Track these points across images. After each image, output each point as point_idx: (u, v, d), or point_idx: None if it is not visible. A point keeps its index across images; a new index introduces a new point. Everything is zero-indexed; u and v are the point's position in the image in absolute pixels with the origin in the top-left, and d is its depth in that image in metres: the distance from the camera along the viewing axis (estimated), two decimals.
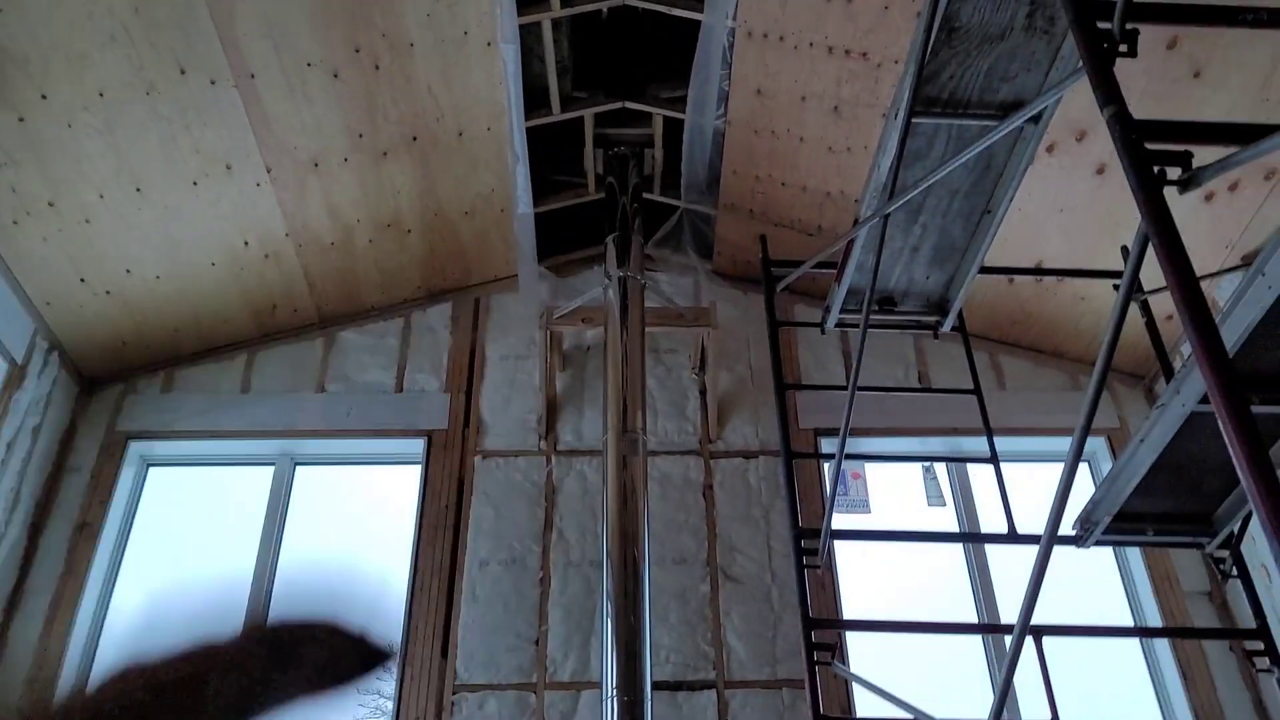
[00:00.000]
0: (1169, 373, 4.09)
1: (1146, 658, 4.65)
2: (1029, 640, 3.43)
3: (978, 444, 4.58)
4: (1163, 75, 3.93)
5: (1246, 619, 4.15)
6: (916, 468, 5.07)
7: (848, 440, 3.78)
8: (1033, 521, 3.96)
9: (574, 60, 5.18)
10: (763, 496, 4.91)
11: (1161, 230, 1.84)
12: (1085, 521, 3.50)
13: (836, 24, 4.35)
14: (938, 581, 4.83)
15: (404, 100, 4.62)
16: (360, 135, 4.66)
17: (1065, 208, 4.67)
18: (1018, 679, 3.13)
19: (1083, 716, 3.97)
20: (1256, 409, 2.72)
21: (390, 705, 4.40)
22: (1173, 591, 4.66)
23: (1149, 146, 1.99)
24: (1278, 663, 3.77)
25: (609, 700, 3.68)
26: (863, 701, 4.33)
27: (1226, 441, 1.63)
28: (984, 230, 3.73)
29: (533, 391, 5.18)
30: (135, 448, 4.92)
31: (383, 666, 3.60)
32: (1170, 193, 1.96)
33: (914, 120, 3.22)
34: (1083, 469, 5.13)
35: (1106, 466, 4.98)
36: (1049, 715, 3.53)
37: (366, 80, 4.46)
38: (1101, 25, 2.18)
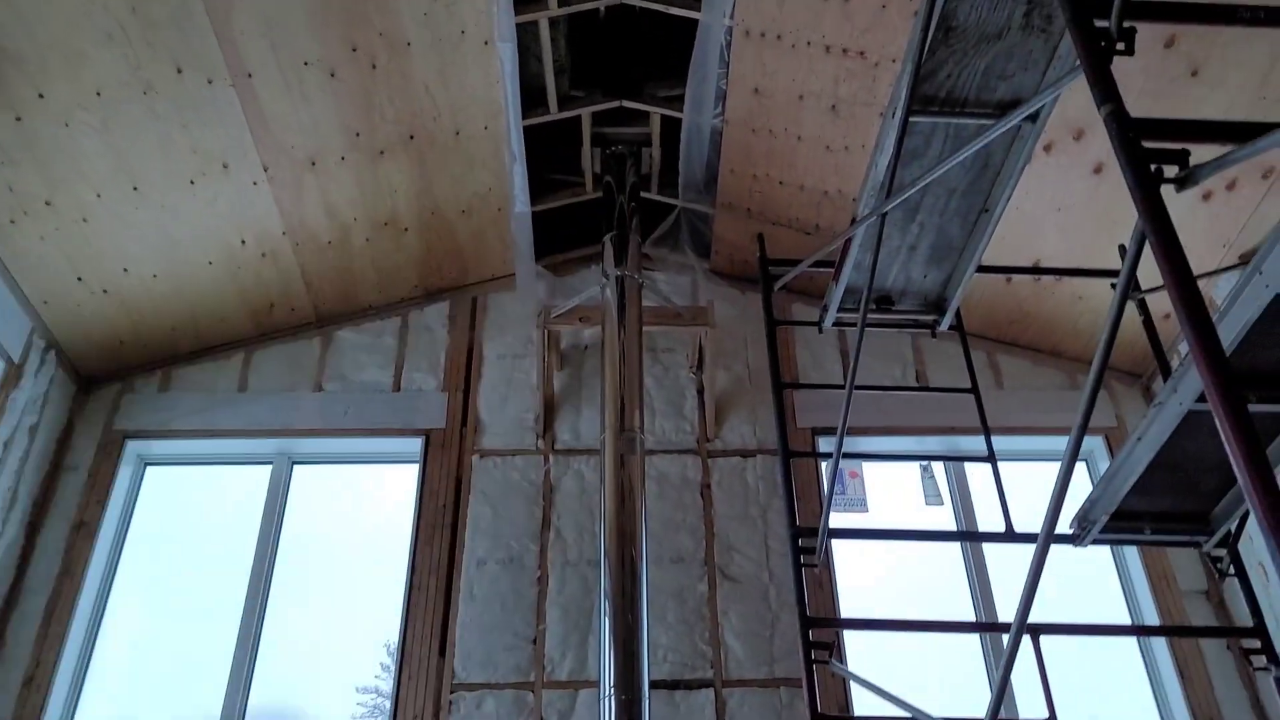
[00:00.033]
0: (1166, 371, 4.09)
1: (1144, 656, 4.66)
2: (1026, 639, 3.44)
3: (975, 443, 4.59)
4: (1160, 74, 3.93)
5: (1244, 617, 4.15)
6: (914, 467, 5.07)
7: (845, 439, 3.78)
8: (1030, 520, 3.97)
9: (571, 59, 5.18)
10: (760, 495, 4.91)
11: (1158, 228, 1.84)
12: (1082, 520, 3.51)
13: (834, 23, 4.35)
14: (935, 580, 4.84)
15: (401, 99, 4.62)
16: (357, 134, 4.66)
17: (1063, 207, 4.67)
18: (1015, 677, 3.12)
19: (1080, 715, 3.98)
20: (1254, 407, 2.73)
21: (388, 704, 4.40)
22: (1170, 590, 4.67)
23: (1146, 144, 1.99)
24: (1275, 661, 3.77)
25: (606, 699, 3.68)
26: (860, 700, 4.34)
27: (1224, 440, 1.63)
28: (981, 229, 3.73)
29: (530, 390, 5.18)
30: (133, 447, 4.92)
31: None
32: (1168, 191, 1.96)
33: (911, 119, 3.22)
34: (1080, 468, 5.14)
35: (1104, 465, 4.98)
36: (1046, 714, 3.53)
37: (364, 79, 4.46)
38: (1099, 23, 2.18)
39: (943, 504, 4.99)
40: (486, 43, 4.57)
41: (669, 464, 4.99)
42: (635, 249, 5.05)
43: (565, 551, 4.71)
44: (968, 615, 4.71)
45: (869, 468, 5.03)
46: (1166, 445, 3.06)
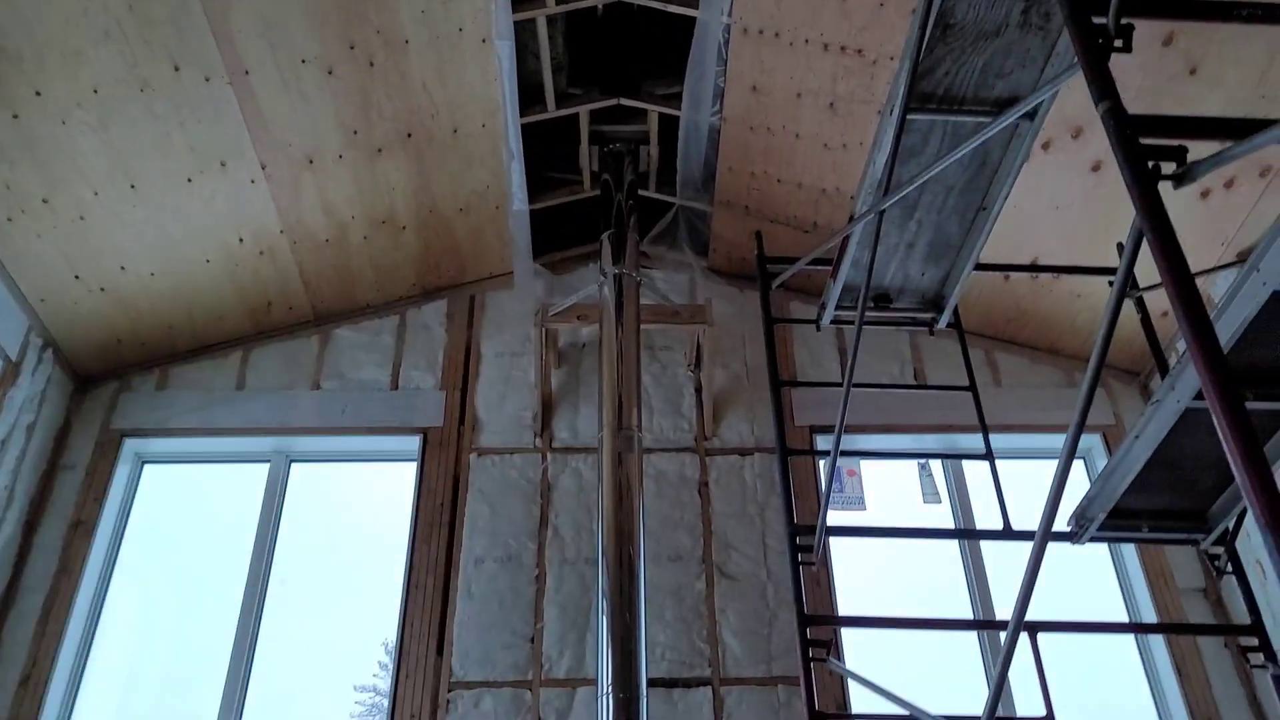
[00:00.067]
0: (1164, 369, 4.10)
1: (1141, 654, 4.66)
2: (1024, 636, 3.43)
3: (973, 441, 4.58)
4: (1159, 72, 3.93)
5: (1241, 615, 4.16)
6: (912, 465, 5.07)
7: (843, 437, 3.78)
8: (1028, 518, 3.97)
9: (569, 57, 5.18)
10: (758, 494, 4.91)
11: (1156, 225, 1.84)
12: (1080, 518, 3.51)
13: (832, 20, 4.35)
14: (933, 578, 4.84)
15: (399, 97, 4.62)
16: (355, 132, 4.65)
17: (1061, 205, 4.67)
18: (1013, 675, 3.13)
19: (1077, 712, 3.98)
20: (1251, 405, 2.73)
21: (386, 703, 4.40)
22: (1167, 588, 4.67)
23: (1144, 141, 1.99)
24: (1272, 658, 3.77)
25: (604, 697, 3.68)
26: (858, 698, 4.34)
27: (1221, 437, 1.63)
28: (979, 227, 3.73)
29: (528, 389, 5.18)
30: (130, 445, 4.91)
31: None
32: (1165, 189, 1.96)
33: (909, 116, 3.22)
34: (1078, 466, 5.14)
35: (1102, 463, 4.98)
36: (1044, 711, 3.53)
37: (361, 77, 4.46)
38: (1097, 20, 2.18)
39: (940, 502, 4.99)
40: (484, 40, 4.57)
41: (667, 462, 4.99)
42: (633, 247, 5.05)
43: (563, 550, 4.71)
44: (965, 613, 4.71)
45: (867, 466, 5.02)
46: (1164, 443, 3.06)
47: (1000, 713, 3.32)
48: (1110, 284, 4.32)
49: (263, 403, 5.05)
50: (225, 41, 4.08)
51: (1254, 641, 3.84)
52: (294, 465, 5.04)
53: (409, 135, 4.79)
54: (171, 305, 4.90)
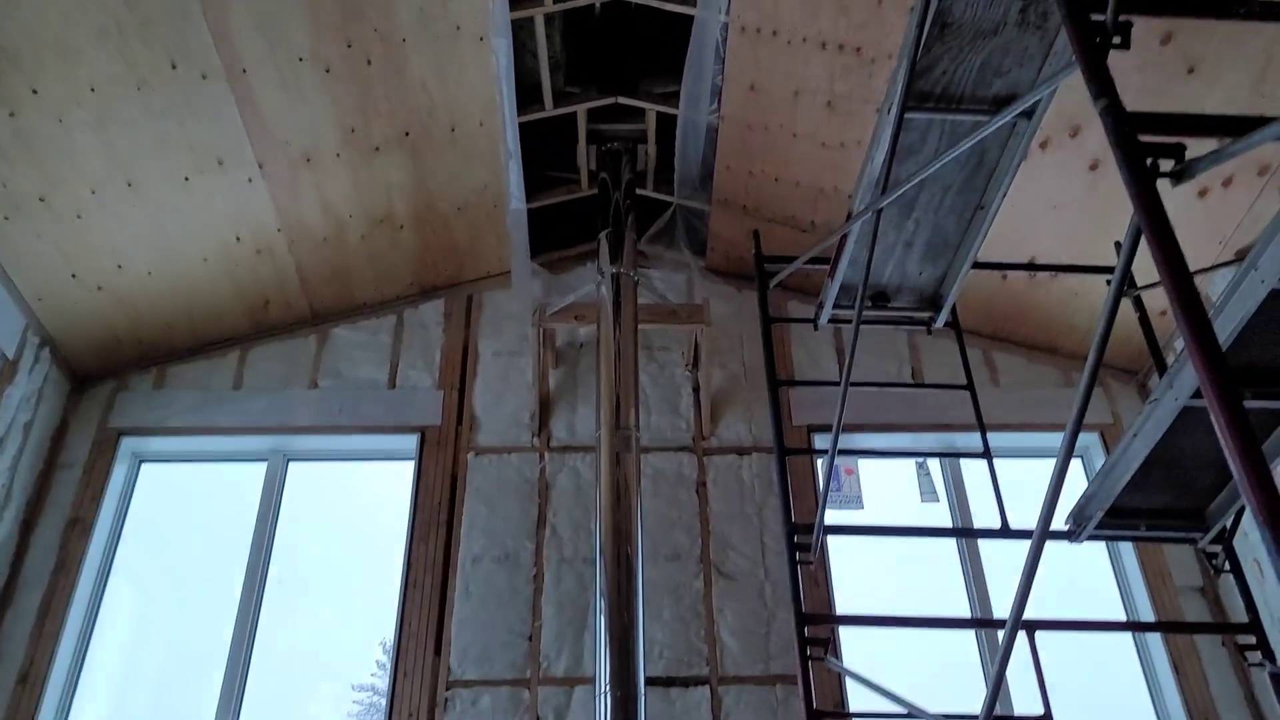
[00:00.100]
0: (1162, 368, 4.10)
1: (1139, 652, 4.67)
2: (1021, 635, 3.43)
3: (971, 440, 4.58)
4: (1157, 70, 3.93)
5: (1239, 613, 4.15)
6: (910, 465, 5.07)
7: (841, 436, 3.77)
8: (1026, 517, 3.97)
9: (567, 55, 5.17)
10: (756, 493, 4.91)
11: (1154, 222, 1.84)
12: (1078, 517, 3.51)
13: (830, 19, 4.35)
14: (931, 577, 4.84)
15: (396, 95, 4.61)
16: (353, 130, 4.65)
17: (1059, 204, 4.66)
18: (1010, 673, 3.12)
19: (1075, 711, 3.98)
20: (1249, 403, 2.73)
21: (383, 702, 4.40)
22: (1165, 586, 4.67)
23: (1142, 139, 1.99)
24: (1269, 656, 3.77)
25: (602, 696, 3.68)
26: (856, 696, 4.34)
27: (1220, 436, 1.63)
28: (977, 226, 3.73)
29: (526, 388, 5.18)
30: (128, 444, 4.91)
31: None
32: (1164, 189, 1.95)
33: (907, 115, 3.22)
34: (1075, 465, 5.14)
35: (1099, 462, 4.98)
36: (1041, 709, 3.53)
37: (359, 75, 4.45)
38: (1095, 17, 2.18)
39: (938, 501, 4.99)
40: (482, 39, 4.56)
41: (664, 461, 4.98)
42: (631, 246, 5.05)
43: (561, 549, 4.71)
44: (963, 612, 4.71)
45: (865, 465, 5.03)
46: (1162, 441, 3.06)
47: (998, 711, 3.32)
48: (1108, 283, 4.33)
49: (260, 402, 5.04)
50: (223, 40, 4.08)
51: (1251, 640, 3.84)
52: (291, 464, 5.04)
53: (407, 134, 4.79)
54: (169, 304, 4.90)
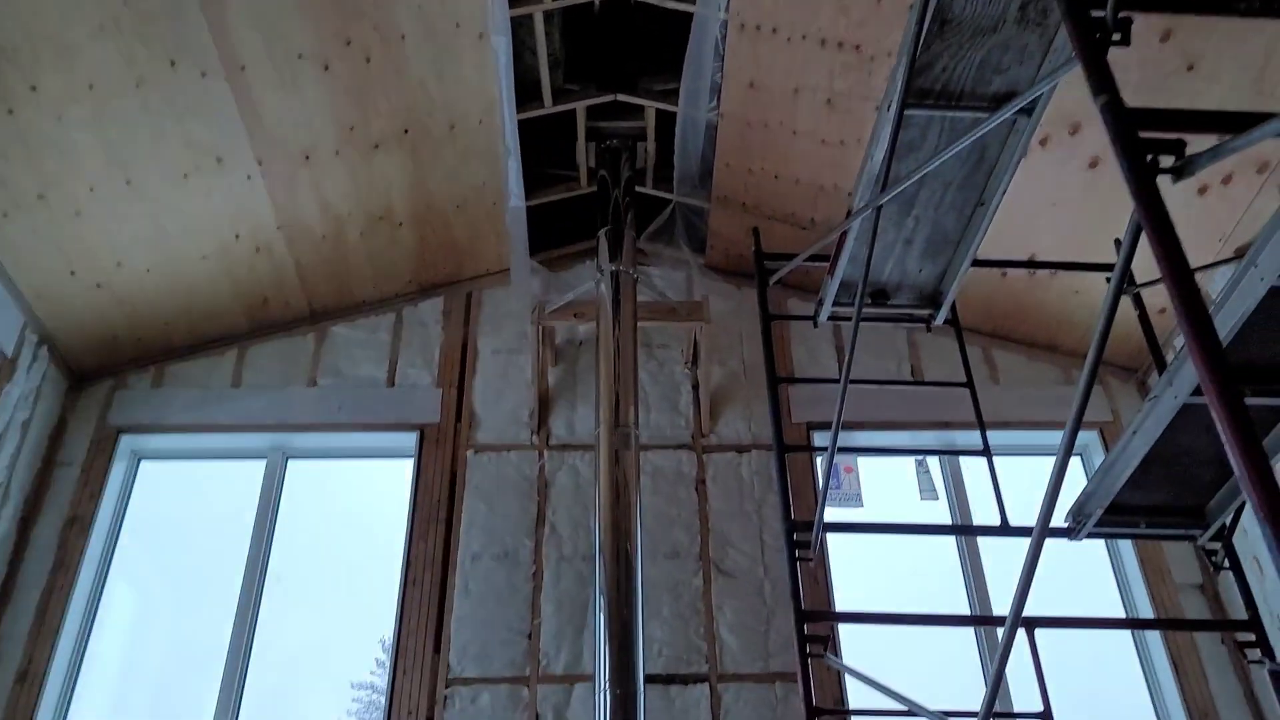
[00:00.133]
0: (1161, 366, 4.09)
1: (1138, 649, 4.66)
2: (1021, 632, 3.43)
3: (970, 438, 4.58)
4: (1156, 68, 3.93)
5: (1238, 611, 4.15)
6: (909, 463, 5.07)
7: (840, 434, 3.77)
8: (1024, 515, 3.97)
9: (566, 53, 5.17)
10: (755, 491, 4.90)
11: (1154, 218, 1.84)
12: (1078, 514, 3.51)
13: (829, 16, 4.34)
14: (930, 575, 4.84)
15: (395, 92, 4.61)
16: (351, 128, 4.64)
17: (1058, 201, 4.66)
18: (1010, 671, 3.12)
19: (1075, 708, 3.98)
20: (1249, 401, 2.72)
21: (383, 700, 4.40)
22: (1165, 584, 4.67)
23: (1142, 135, 1.98)
24: (1269, 654, 3.77)
25: (602, 693, 3.68)
26: (855, 693, 4.34)
27: (1221, 433, 1.63)
28: (977, 223, 3.73)
29: (525, 386, 5.17)
30: (126, 441, 4.91)
31: None
32: (1164, 186, 1.95)
33: (907, 112, 3.22)
34: (1075, 463, 5.14)
35: (1099, 460, 4.98)
36: (1041, 707, 3.53)
37: (358, 72, 4.45)
38: (1095, 14, 2.17)
39: (937, 499, 4.99)
40: (481, 36, 4.56)
41: (664, 459, 4.98)
42: (630, 244, 5.04)
43: (560, 546, 4.71)
44: (963, 609, 4.71)
45: (864, 463, 5.02)
46: (1161, 439, 3.06)
47: (997, 708, 3.31)
48: (1107, 280, 4.32)
49: (259, 399, 5.04)
50: (221, 37, 4.07)
51: (1251, 637, 3.84)
52: (291, 462, 5.03)
53: (406, 131, 4.78)
54: (168, 301, 4.89)
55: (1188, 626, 4.54)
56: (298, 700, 4.56)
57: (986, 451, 4.19)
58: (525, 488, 4.88)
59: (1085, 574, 4.86)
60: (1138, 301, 4.27)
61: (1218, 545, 3.75)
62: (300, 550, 4.81)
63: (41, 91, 3.91)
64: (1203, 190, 4.32)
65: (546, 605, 4.55)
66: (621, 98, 5.28)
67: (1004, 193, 3.54)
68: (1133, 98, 2.05)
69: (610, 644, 3.77)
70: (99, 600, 4.62)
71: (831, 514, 4.31)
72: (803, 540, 4.04)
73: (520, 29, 4.72)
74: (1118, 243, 4.39)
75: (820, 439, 5.02)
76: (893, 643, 4.41)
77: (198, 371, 5.13)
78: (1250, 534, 4.27)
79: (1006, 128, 3.36)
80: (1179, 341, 4.64)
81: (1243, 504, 3.42)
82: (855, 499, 4.93)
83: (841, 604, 4.63)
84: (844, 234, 3.88)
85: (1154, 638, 4.59)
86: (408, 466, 4.95)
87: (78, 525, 4.60)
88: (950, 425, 5.01)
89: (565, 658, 4.43)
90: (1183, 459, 3.22)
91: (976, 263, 4.03)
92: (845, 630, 4.46)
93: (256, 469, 4.96)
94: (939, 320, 4.23)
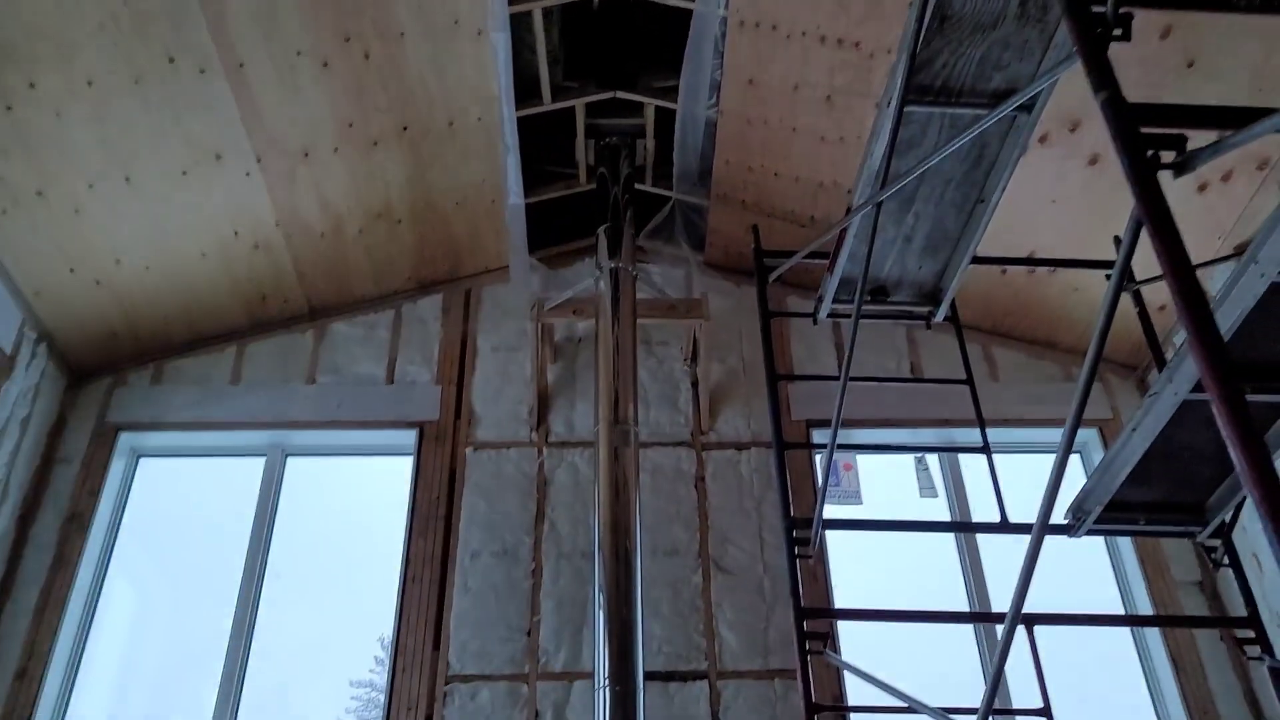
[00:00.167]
0: (1161, 363, 4.09)
1: (1138, 646, 4.67)
2: (1021, 629, 3.44)
3: (970, 435, 4.58)
4: (1156, 65, 3.93)
5: (1237, 608, 4.15)
6: (908, 461, 5.07)
7: (840, 431, 3.77)
8: (1023, 513, 3.97)
9: (565, 50, 5.16)
10: (754, 488, 4.90)
11: (1155, 214, 1.83)
12: (1077, 511, 3.51)
13: (829, 13, 4.34)
14: (929, 572, 4.84)
15: (394, 89, 4.60)
16: (350, 125, 4.64)
17: (1058, 198, 4.66)
18: (1009, 667, 3.12)
19: (1074, 705, 3.98)
20: (1249, 398, 2.72)
21: (382, 698, 4.39)
22: (1164, 580, 4.67)
23: (1143, 131, 1.98)
24: (1268, 651, 3.78)
25: (601, 690, 3.68)
26: (855, 690, 4.34)
27: (1221, 427, 1.63)
28: (977, 220, 3.72)
29: (524, 383, 5.17)
30: (125, 439, 4.90)
31: None
32: (1163, 183, 1.94)
33: (907, 109, 3.21)
34: (1073, 461, 5.14)
35: (1098, 458, 4.98)
36: (1040, 704, 3.53)
37: (356, 69, 4.44)
38: (1095, 9, 2.17)
39: (937, 497, 4.99)
40: (480, 33, 4.55)
41: (663, 456, 4.98)
42: (629, 241, 5.04)
43: (559, 544, 4.71)
44: (962, 607, 4.71)
45: (863, 461, 5.02)
46: (1161, 436, 3.06)
47: (997, 705, 3.32)
48: (1107, 277, 4.32)
49: (258, 397, 5.04)
50: (220, 34, 4.06)
51: (1250, 634, 3.85)
52: (290, 459, 5.03)
53: (404, 128, 4.78)
54: (167, 299, 4.89)
55: (1187, 623, 4.54)
56: (297, 698, 4.56)
57: (986, 449, 4.19)
58: (525, 485, 4.87)
59: (1084, 572, 4.87)
60: (1137, 298, 4.27)
61: (1217, 542, 3.75)
62: (299, 548, 4.81)
63: (40, 89, 3.91)
64: (1202, 188, 4.32)
65: (546, 602, 4.55)
66: (621, 95, 5.28)
67: (1004, 190, 3.54)
68: (1132, 95, 2.05)
69: (610, 641, 3.77)
70: (98, 597, 4.62)
71: (831, 511, 4.31)
72: (802, 537, 4.04)
73: (519, 26, 4.72)
74: (1117, 240, 4.39)
75: (820, 436, 5.02)
76: (892, 640, 4.41)
77: (197, 369, 5.12)
78: (1250, 531, 4.27)
79: (1006, 124, 3.36)
80: (1179, 338, 4.64)
81: (1242, 501, 3.42)
82: (854, 496, 4.93)
83: (841, 601, 4.63)
84: (844, 231, 3.88)
85: (1153, 635, 4.59)
86: (407, 464, 4.95)
87: (77, 522, 4.60)
88: (950, 423, 5.01)
89: (565, 655, 4.43)
90: (1182, 456, 3.22)
91: (976, 260, 4.03)
92: (844, 627, 4.46)
93: (255, 466, 4.96)
94: (939, 317, 4.23)
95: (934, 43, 3.09)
